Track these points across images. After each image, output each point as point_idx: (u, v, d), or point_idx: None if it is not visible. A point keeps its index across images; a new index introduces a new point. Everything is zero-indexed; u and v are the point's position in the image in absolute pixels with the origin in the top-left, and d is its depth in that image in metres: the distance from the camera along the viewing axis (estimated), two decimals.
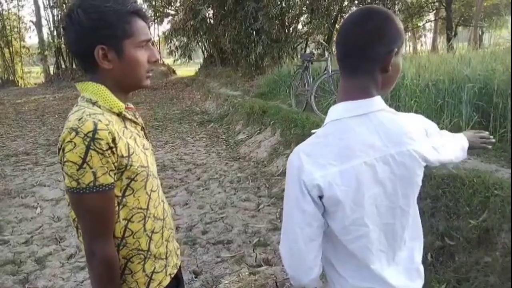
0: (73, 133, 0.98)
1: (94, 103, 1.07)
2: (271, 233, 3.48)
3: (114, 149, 1.01)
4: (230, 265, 3.02)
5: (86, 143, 0.97)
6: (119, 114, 1.11)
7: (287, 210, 1.03)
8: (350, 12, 14.23)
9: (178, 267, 1.31)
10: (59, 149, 1.01)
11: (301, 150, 1.01)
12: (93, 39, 1.04)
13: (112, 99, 1.09)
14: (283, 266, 2.93)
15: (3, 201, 4.54)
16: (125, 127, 1.12)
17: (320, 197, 0.99)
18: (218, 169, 5.46)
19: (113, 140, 1.01)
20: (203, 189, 4.71)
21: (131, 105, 1.21)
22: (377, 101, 1.02)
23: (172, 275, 1.26)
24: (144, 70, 1.12)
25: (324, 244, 1.06)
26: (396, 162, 1.01)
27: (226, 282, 2.80)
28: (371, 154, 0.99)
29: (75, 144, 0.97)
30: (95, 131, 0.98)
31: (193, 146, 6.94)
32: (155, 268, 1.18)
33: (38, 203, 4.43)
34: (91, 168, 0.98)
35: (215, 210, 4.09)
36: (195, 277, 2.87)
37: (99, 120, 1.00)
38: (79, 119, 1.00)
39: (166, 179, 5.06)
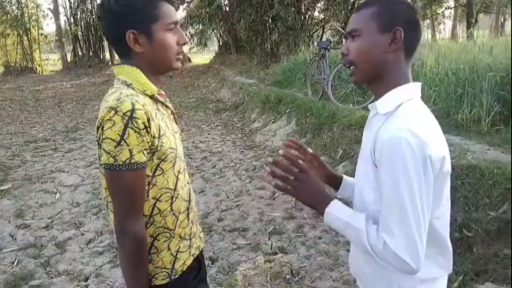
0: (112, 112, 1.02)
1: (128, 85, 1.13)
2: (286, 222, 3.50)
3: (148, 129, 1.06)
4: (245, 252, 3.05)
5: (125, 121, 1.02)
6: (151, 97, 1.15)
7: (407, 193, 0.92)
8: None
9: (200, 249, 1.35)
10: (98, 128, 1.05)
11: (410, 127, 0.93)
12: (124, 24, 1.10)
13: (146, 82, 1.14)
14: (298, 254, 2.97)
15: (24, 186, 4.65)
16: (158, 109, 1.17)
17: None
18: (234, 157, 5.48)
19: (148, 120, 1.06)
20: (218, 177, 4.74)
21: (162, 92, 1.26)
22: None
23: (195, 256, 1.30)
24: (174, 52, 1.17)
25: None
26: None
27: (242, 269, 2.83)
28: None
29: (114, 122, 1.02)
30: (133, 110, 1.02)
31: (208, 134, 6.97)
32: (179, 247, 1.22)
33: (57, 189, 4.52)
34: (128, 145, 1.03)
35: (231, 197, 4.12)
36: (211, 264, 2.91)
37: (136, 101, 1.05)
38: (118, 99, 1.04)
39: None
